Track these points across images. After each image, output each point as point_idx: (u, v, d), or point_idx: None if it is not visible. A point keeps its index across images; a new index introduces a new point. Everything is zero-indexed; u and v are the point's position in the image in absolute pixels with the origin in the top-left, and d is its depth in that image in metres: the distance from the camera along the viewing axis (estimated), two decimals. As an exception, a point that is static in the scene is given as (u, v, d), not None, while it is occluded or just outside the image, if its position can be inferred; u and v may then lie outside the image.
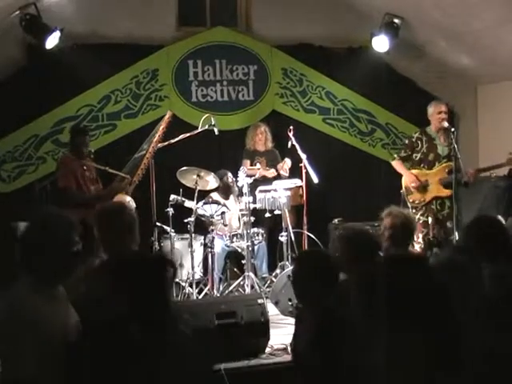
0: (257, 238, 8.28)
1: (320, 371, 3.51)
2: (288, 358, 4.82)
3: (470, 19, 8.69)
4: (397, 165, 8.04)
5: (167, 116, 7.65)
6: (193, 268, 7.74)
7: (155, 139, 7.39)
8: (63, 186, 7.03)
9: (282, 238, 8.11)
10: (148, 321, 2.96)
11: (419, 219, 7.73)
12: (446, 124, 7.70)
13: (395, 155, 8.17)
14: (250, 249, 7.98)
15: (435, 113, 7.84)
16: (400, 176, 8.05)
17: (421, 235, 7.64)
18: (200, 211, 8.06)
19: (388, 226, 5.35)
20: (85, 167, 7.23)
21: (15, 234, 7.70)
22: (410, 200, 7.86)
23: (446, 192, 7.65)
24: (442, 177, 7.72)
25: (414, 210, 7.80)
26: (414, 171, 7.87)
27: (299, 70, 9.95)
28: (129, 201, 7.15)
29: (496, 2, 8.13)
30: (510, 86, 9.75)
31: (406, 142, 8.10)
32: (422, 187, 7.79)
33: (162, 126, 7.49)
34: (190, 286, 7.70)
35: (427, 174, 7.81)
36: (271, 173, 8.94)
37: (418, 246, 7.60)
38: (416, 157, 7.90)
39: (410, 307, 2.71)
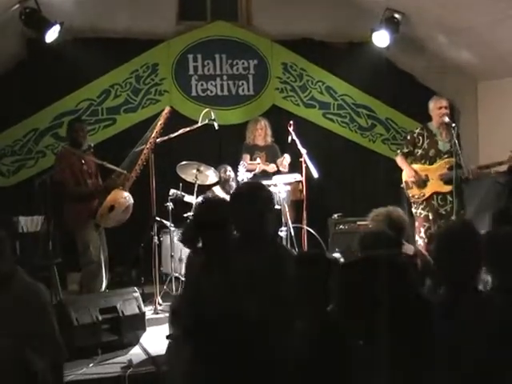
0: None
1: None
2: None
3: (471, 15, 8.68)
4: (399, 160, 8.01)
5: (165, 111, 7.64)
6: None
7: (153, 135, 7.39)
8: (60, 180, 7.02)
9: (282, 233, 8.11)
10: None
11: (420, 213, 7.74)
12: (446, 119, 7.66)
13: (398, 151, 8.14)
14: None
15: (436, 108, 7.81)
16: (400, 171, 8.04)
17: (423, 229, 7.65)
18: (200, 206, 8.05)
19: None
20: (83, 161, 7.22)
21: (15, 229, 7.73)
22: (410, 194, 7.86)
23: (447, 188, 7.62)
24: (442, 172, 7.69)
25: (414, 205, 7.82)
26: (415, 166, 7.85)
27: (299, 65, 9.93)
28: (126, 196, 7.16)
29: (496, -2, 8.13)
30: (510, 82, 9.73)
31: (408, 137, 8.06)
32: (422, 182, 7.77)
33: (159, 122, 7.48)
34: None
35: (428, 169, 7.78)
36: (271, 168, 8.92)
37: (421, 241, 7.59)
38: (417, 152, 7.88)
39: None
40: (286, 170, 8.85)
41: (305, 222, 8.33)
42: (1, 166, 8.80)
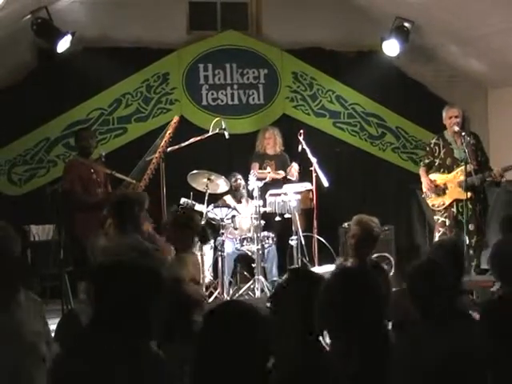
0: (267, 241, 8.28)
1: None
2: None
3: (480, 23, 8.68)
4: (420, 172, 8.15)
5: (174, 121, 7.66)
6: (203, 271, 7.74)
7: (161, 144, 7.40)
8: (68, 189, 7.05)
9: (292, 242, 8.12)
10: None
11: (438, 219, 7.89)
12: (456, 128, 7.69)
13: (421, 163, 8.28)
14: (260, 252, 8.00)
15: (447, 117, 7.86)
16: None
17: (437, 234, 7.71)
18: (210, 215, 8.08)
19: (351, 234, 5.63)
20: (92, 170, 7.24)
21: (26, 237, 7.76)
22: (430, 204, 7.95)
23: (465, 194, 7.63)
24: (460, 180, 7.70)
25: (434, 213, 7.88)
26: (435, 176, 7.89)
27: (309, 74, 9.95)
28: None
29: (505, 7, 8.12)
30: (520, 90, 9.74)
31: (427, 149, 8.18)
32: (440, 191, 7.81)
33: (168, 131, 7.50)
34: (200, 289, 7.71)
35: (446, 177, 7.82)
36: (280, 174, 8.89)
37: None
38: (435, 162, 7.96)
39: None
40: (295, 178, 8.85)
41: (315, 230, 8.32)
42: (12, 175, 8.83)
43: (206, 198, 8.04)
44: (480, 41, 9.10)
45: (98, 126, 9.07)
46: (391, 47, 9.46)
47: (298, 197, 8.36)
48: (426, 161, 8.10)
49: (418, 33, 9.53)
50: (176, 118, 7.76)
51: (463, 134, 7.57)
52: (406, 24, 9.36)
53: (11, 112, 8.65)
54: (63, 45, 8.38)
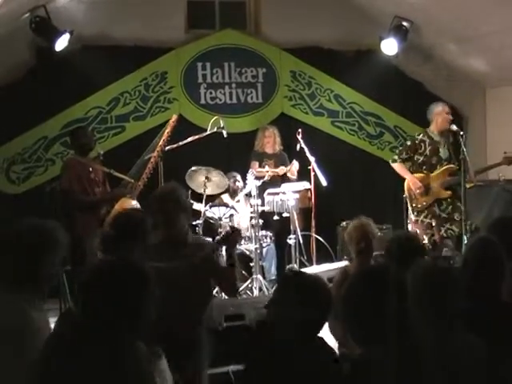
0: (265, 240, 8.28)
1: None
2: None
3: (479, 23, 8.69)
4: (399, 168, 7.91)
5: (172, 119, 7.65)
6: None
7: (160, 143, 7.40)
8: (66, 188, 7.04)
9: (291, 241, 8.12)
10: None
11: (423, 221, 7.76)
12: (454, 127, 7.62)
13: (395, 157, 8.00)
14: (259, 251, 7.99)
15: (443, 112, 7.76)
16: (399, 178, 8.01)
17: (426, 237, 7.64)
18: (208, 214, 8.07)
19: (354, 239, 5.56)
20: (90, 169, 7.23)
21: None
22: (413, 205, 7.82)
23: (447, 193, 7.63)
24: (443, 180, 7.68)
25: (414, 212, 7.79)
26: (417, 175, 7.80)
27: (308, 73, 9.95)
28: (134, 205, 7.15)
29: (504, 7, 8.12)
30: (518, 89, 9.74)
31: (409, 143, 7.99)
32: (425, 191, 7.76)
33: (166, 130, 7.48)
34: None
35: (428, 177, 7.76)
36: (281, 170, 8.85)
37: None
38: (418, 159, 7.82)
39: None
40: (295, 176, 8.85)
41: (313, 229, 8.32)
42: (11, 174, 8.84)
43: (204, 197, 8.03)
44: (478, 40, 9.11)
45: (96, 124, 9.09)
46: (390, 46, 9.46)
47: (297, 196, 8.36)
48: (404, 156, 7.87)
49: (417, 32, 9.53)
50: (174, 117, 7.75)
51: (461, 133, 7.51)
52: (405, 23, 9.36)
53: (9, 110, 8.64)
54: (61, 43, 8.39)
